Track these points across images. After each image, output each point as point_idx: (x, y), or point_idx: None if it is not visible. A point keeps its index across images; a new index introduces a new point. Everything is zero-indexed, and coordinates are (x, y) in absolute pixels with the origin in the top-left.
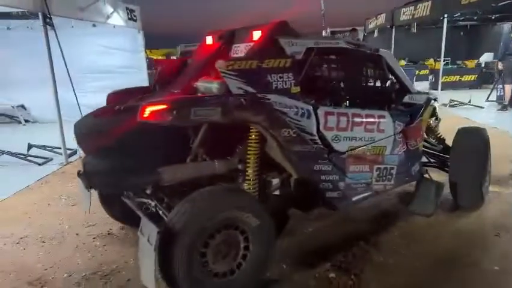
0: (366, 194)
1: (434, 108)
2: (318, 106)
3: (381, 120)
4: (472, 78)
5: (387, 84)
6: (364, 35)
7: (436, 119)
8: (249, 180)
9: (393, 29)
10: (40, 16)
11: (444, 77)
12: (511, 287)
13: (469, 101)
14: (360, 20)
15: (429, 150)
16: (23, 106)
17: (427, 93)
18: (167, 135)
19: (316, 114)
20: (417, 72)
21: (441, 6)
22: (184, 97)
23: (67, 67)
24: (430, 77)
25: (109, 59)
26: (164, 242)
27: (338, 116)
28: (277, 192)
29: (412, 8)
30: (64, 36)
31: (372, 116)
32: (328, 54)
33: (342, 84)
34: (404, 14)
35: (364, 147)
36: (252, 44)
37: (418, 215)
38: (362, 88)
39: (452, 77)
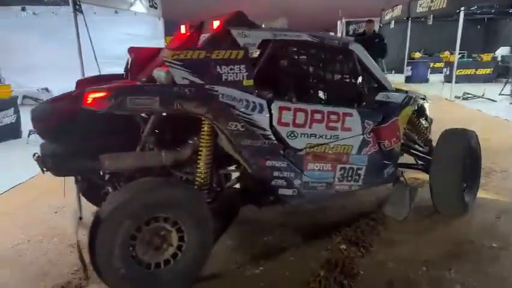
0: (327, 194)
1: (422, 108)
2: (273, 100)
3: (348, 118)
4: (488, 72)
5: (357, 81)
6: (380, 26)
7: (426, 119)
8: (200, 173)
9: (410, 21)
10: (70, 2)
11: (459, 70)
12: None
13: (483, 94)
14: (377, 11)
15: (415, 152)
16: (46, 89)
17: (407, 91)
18: (117, 123)
19: (270, 109)
20: (432, 64)
21: None
22: (125, 85)
23: (94, 52)
24: (445, 70)
25: (130, 45)
26: (92, 228)
27: (295, 111)
28: (238, 186)
29: (429, 0)
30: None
31: (336, 114)
32: (288, 47)
33: (305, 79)
34: (420, 6)
35: (325, 145)
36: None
37: (391, 217)
38: (327, 84)
39: (468, 70)
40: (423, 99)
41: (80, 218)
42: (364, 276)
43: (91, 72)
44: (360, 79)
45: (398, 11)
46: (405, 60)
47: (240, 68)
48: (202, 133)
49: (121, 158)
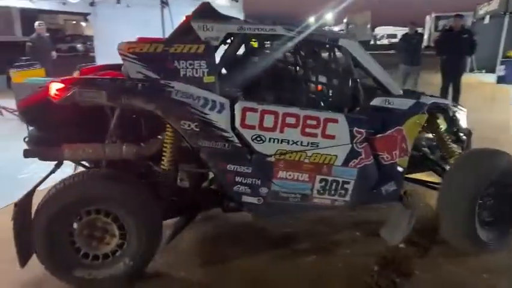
0: (302, 206)
1: (455, 119)
2: (237, 100)
3: (330, 124)
4: None
5: (348, 82)
6: (473, 21)
7: (458, 131)
8: (164, 169)
9: (507, 16)
10: None
11: None
12: None
13: None
14: (471, 5)
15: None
16: None
17: (419, 96)
18: (85, 114)
19: (232, 109)
20: None
21: None
22: (80, 78)
23: None
24: None
25: None
26: (33, 219)
27: (262, 113)
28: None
29: None
30: (174, 14)
31: (315, 118)
32: (261, 42)
33: (280, 79)
34: None
35: (301, 153)
36: None
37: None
38: (308, 85)
39: None
40: (452, 106)
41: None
42: (419, 276)
43: None
44: (352, 80)
45: (494, 4)
46: (499, 59)
47: (201, 64)
48: (167, 130)
49: (81, 148)
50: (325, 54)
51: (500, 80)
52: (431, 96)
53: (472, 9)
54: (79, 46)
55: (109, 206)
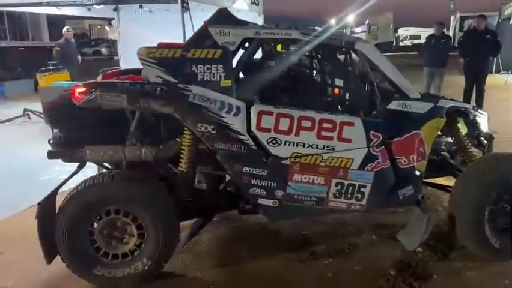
0: (318, 210)
1: (475, 123)
2: (253, 103)
3: (346, 127)
4: None
5: (364, 86)
6: (498, 21)
7: (479, 135)
8: (182, 171)
9: None
10: (179, 0)
11: None
12: None
13: None
14: (496, 5)
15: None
16: None
17: (437, 100)
18: (108, 116)
19: (248, 112)
20: None
21: None
22: (101, 81)
23: None
24: None
25: None
26: (48, 216)
27: (278, 117)
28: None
29: None
30: (194, 19)
31: (331, 122)
32: (276, 46)
33: (297, 83)
34: None
35: (316, 156)
36: None
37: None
38: (325, 88)
39: None
40: (476, 109)
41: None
42: (436, 280)
43: None
44: (369, 83)
45: None
46: None
47: (217, 68)
48: (184, 132)
49: (102, 150)
50: (340, 58)
51: None
52: (451, 99)
53: (498, 9)
54: (103, 50)
55: (128, 206)
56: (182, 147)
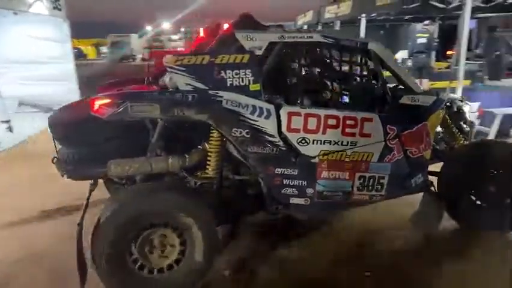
0: (344, 203)
1: (461, 112)
2: (282, 105)
3: (367, 123)
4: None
5: (378, 83)
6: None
7: (465, 123)
8: (209, 178)
9: (319, 26)
10: None
11: None
12: None
13: None
14: (292, 15)
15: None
16: None
17: (437, 93)
18: (127, 128)
19: (278, 114)
20: None
21: (359, 7)
22: (127, 92)
23: None
24: None
25: (34, 48)
26: (93, 232)
27: (306, 117)
28: (248, 192)
29: (336, 6)
30: None
31: (353, 119)
32: (300, 49)
33: (318, 83)
34: (328, 12)
35: (341, 152)
36: None
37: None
38: (343, 87)
39: None
40: (461, 101)
41: (78, 224)
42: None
43: None
44: (382, 81)
45: (309, 16)
46: None
47: (246, 73)
48: (211, 139)
49: (127, 163)
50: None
51: None
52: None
53: (293, 19)
54: None
55: (172, 217)
56: (209, 154)
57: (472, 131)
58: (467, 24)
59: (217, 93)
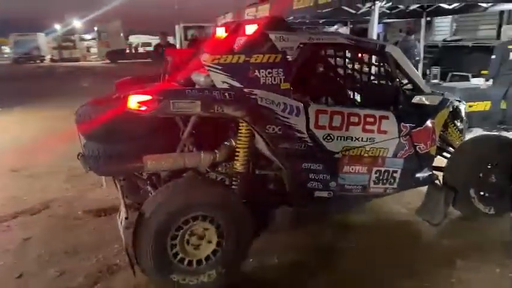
0: (361, 196)
1: (458, 110)
2: (310, 103)
3: (384, 121)
4: None
5: (394, 84)
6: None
7: (461, 121)
8: (237, 173)
9: None
10: None
11: None
12: None
13: None
14: (212, 16)
15: (447, 155)
16: None
17: (443, 94)
18: (158, 124)
19: (306, 112)
20: None
21: (276, 10)
22: (168, 89)
23: None
24: None
25: None
26: (135, 227)
27: (332, 114)
28: (272, 187)
29: (254, 9)
30: None
31: (373, 116)
32: (326, 50)
33: (341, 82)
34: (248, 14)
35: (361, 148)
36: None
37: (425, 221)
38: (363, 87)
39: None
40: (459, 101)
41: (126, 218)
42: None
43: None
44: (396, 82)
45: (229, 18)
46: None
47: (278, 72)
48: (240, 135)
49: (163, 159)
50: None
51: None
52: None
53: (214, 20)
54: None
55: (211, 211)
56: (237, 149)
57: (465, 128)
58: (375, 28)
59: (252, 91)
